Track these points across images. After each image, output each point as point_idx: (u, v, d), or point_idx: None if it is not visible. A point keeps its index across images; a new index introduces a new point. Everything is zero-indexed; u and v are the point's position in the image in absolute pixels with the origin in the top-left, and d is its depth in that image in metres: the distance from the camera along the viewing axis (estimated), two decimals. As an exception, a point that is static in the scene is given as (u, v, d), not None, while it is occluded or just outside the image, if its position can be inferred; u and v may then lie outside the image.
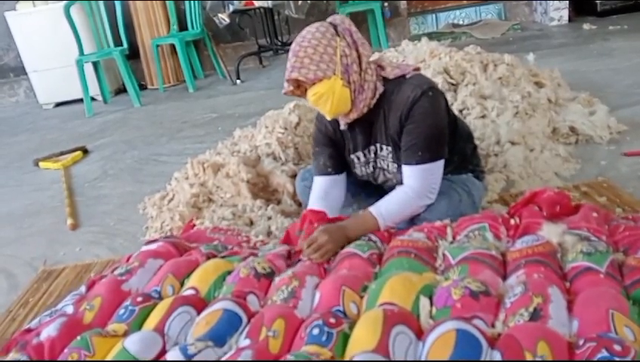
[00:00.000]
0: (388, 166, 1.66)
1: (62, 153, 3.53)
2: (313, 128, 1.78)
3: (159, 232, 2.16)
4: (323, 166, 1.71)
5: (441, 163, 1.55)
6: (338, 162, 1.71)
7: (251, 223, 2.03)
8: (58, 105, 5.30)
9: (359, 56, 1.52)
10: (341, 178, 1.73)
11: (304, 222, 1.58)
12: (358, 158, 1.70)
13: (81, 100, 4.77)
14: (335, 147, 1.71)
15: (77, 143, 3.71)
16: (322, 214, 1.59)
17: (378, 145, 1.64)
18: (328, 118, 1.60)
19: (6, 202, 2.94)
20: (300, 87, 1.54)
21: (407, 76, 1.55)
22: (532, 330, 0.95)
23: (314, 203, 1.69)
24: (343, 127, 1.63)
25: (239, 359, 0.96)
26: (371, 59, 1.57)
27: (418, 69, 1.62)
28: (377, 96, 1.56)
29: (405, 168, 1.56)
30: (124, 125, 4.19)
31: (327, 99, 1.50)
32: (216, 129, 3.59)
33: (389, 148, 1.62)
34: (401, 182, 1.61)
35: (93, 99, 4.87)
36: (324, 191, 1.70)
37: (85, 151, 3.60)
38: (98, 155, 3.52)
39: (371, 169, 1.71)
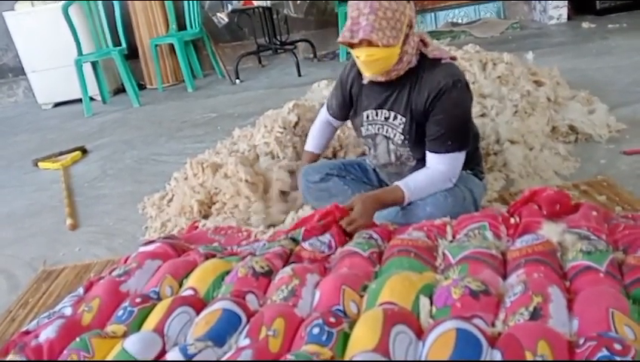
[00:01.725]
0: (395, 136, 1.70)
1: (61, 153, 3.53)
2: (341, 75, 1.85)
3: (159, 232, 2.16)
4: (329, 106, 1.94)
5: (465, 152, 1.65)
6: (340, 111, 1.89)
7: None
8: (57, 105, 5.29)
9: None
10: (335, 121, 1.98)
11: (321, 217, 1.58)
12: (368, 116, 1.75)
13: (80, 100, 4.77)
14: (348, 99, 1.81)
15: (76, 143, 3.70)
16: (345, 213, 1.59)
17: (393, 113, 1.68)
18: (366, 75, 1.63)
19: (6, 202, 2.93)
20: (360, 42, 1.51)
21: (443, 61, 1.59)
22: (532, 330, 0.94)
23: (316, 127, 2.06)
24: (365, 81, 1.69)
25: (239, 359, 0.95)
26: None
27: (455, 58, 1.65)
28: (408, 68, 1.59)
29: (433, 155, 1.63)
30: (124, 125, 4.19)
31: (379, 64, 1.54)
32: (215, 128, 3.59)
33: (404, 120, 1.66)
34: (398, 157, 1.73)
35: (92, 99, 4.86)
36: (322, 123, 2.04)
37: (84, 152, 3.60)
38: (97, 155, 3.51)
39: (375, 130, 1.75)
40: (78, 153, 3.52)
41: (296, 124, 2.48)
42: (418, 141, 1.66)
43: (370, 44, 1.49)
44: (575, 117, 2.43)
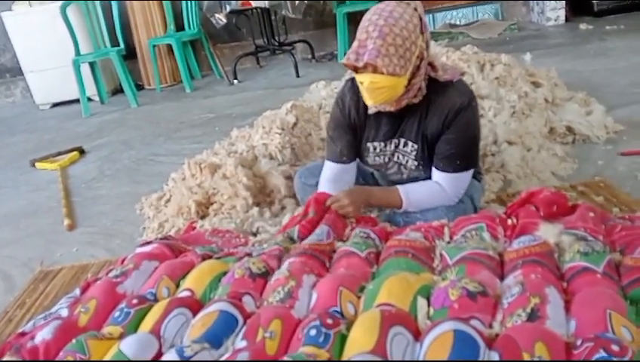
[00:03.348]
0: (407, 162, 1.66)
1: (59, 153, 3.52)
2: (333, 108, 1.72)
3: (157, 233, 2.15)
4: (339, 153, 1.70)
5: (472, 170, 1.62)
6: (354, 150, 1.70)
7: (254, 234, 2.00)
8: (55, 105, 5.28)
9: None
10: (353, 165, 1.75)
11: (309, 206, 1.59)
12: (374, 148, 1.68)
13: (77, 101, 4.76)
14: (354, 134, 1.68)
15: (74, 144, 3.70)
16: (327, 196, 1.61)
17: (403, 140, 1.63)
18: (370, 104, 1.52)
19: (3, 203, 2.93)
20: (365, 66, 1.43)
21: (454, 80, 1.54)
22: (530, 331, 0.94)
23: (324, 185, 1.72)
24: (371, 111, 1.58)
25: (236, 361, 0.95)
26: None
27: (463, 74, 1.63)
28: (420, 96, 1.54)
29: (439, 174, 1.59)
30: (121, 125, 4.18)
31: (383, 93, 1.46)
32: (213, 129, 3.58)
33: (416, 146, 1.61)
34: (412, 179, 1.67)
35: (89, 99, 4.86)
36: (336, 176, 1.72)
37: (82, 152, 3.59)
38: (95, 156, 3.51)
39: (385, 160, 1.69)
40: (75, 153, 3.52)
41: (295, 124, 2.48)
42: (432, 163, 1.62)
43: (375, 70, 1.42)
44: (572, 118, 2.43)
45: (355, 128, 1.68)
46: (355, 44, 1.43)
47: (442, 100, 1.53)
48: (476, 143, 1.63)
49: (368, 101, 1.52)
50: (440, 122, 1.54)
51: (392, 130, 1.63)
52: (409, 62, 1.43)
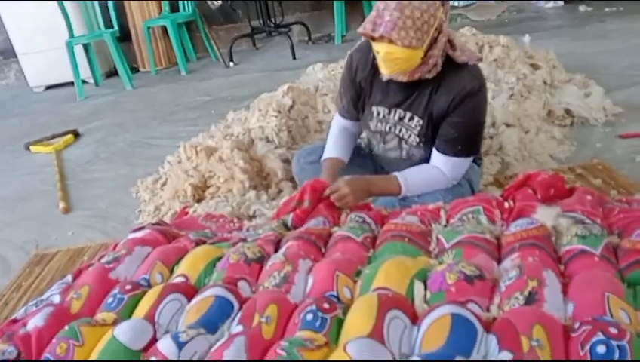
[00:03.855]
0: (409, 137, 1.64)
1: (53, 136, 3.50)
2: (345, 66, 1.73)
3: (153, 216, 2.14)
4: (342, 109, 1.80)
5: (472, 158, 1.62)
6: (355, 110, 1.75)
7: (251, 218, 1.99)
8: (49, 88, 5.23)
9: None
10: (356, 123, 1.80)
11: (304, 193, 1.57)
12: (379, 113, 1.67)
13: (72, 83, 4.71)
14: (357, 93, 1.70)
15: (68, 126, 3.67)
16: (325, 184, 1.59)
17: (409, 113, 1.61)
18: (384, 73, 1.53)
19: (-3, 186, 2.91)
20: (381, 37, 1.42)
21: (470, 63, 1.52)
22: (527, 314, 0.94)
23: (331, 137, 1.80)
24: (384, 78, 1.56)
25: (232, 345, 0.94)
26: None
27: (480, 59, 1.59)
28: (434, 72, 1.52)
29: (440, 156, 1.59)
30: (116, 108, 4.15)
31: (398, 64, 1.46)
32: (209, 112, 3.56)
33: (421, 122, 1.60)
34: (410, 157, 1.67)
35: (84, 82, 4.81)
36: (342, 127, 1.82)
37: (77, 135, 3.56)
38: (90, 139, 3.48)
39: (386, 129, 1.68)
40: (70, 136, 3.49)
41: (291, 107, 2.46)
42: (434, 143, 1.61)
43: (391, 41, 1.41)
44: (571, 100, 2.42)
45: (359, 87, 1.68)
46: (374, 13, 1.43)
47: (453, 80, 1.51)
48: (480, 131, 1.62)
49: (383, 70, 1.52)
50: (447, 102, 1.52)
51: (399, 100, 1.61)
52: (426, 35, 1.41)
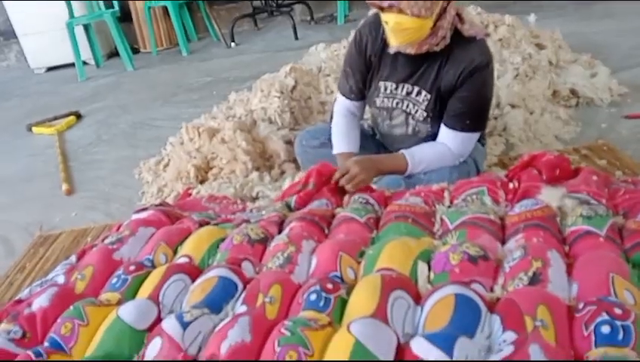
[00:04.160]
0: (417, 112, 1.64)
1: (55, 118, 3.49)
2: (350, 41, 1.72)
3: (156, 197, 2.14)
4: (349, 90, 1.75)
5: (479, 133, 1.61)
6: (362, 91, 1.73)
7: (254, 199, 1.99)
8: (50, 69, 5.21)
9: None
10: (361, 103, 1.78)
11: (310, 176, 1.56)
12: (386, 88, 1.66)
13: (73, 64, 4.69)
14: (365, 71, 1.68)
15: (70, 108, 3.66)
16: (332, 169, 1.58)
17: (417, 87, 1.60)
18: (393, 44, 1.52)
19: (0, 168, 2.91)
20: (390, 7, 1.41)
21: (478, 38, 1.51)
22: (532, 294, 0.93)
23: (338, 116, 1.77)
24: (391, 51, 1.56)
25: (236, 325, 0.95)
26: None
27: (488, 34, 1.60)
28: (442, 45, 1.51)
29: (447, 131, 1.58)
30: (118, 89, 4.13)
31: (407, 34, 1.45)
32: (210, 93, 3.54)
33: (429, 97, 1.59)
34: (416, 132, 1.66)
35: (85, 63, 4.78)
36: (346, 108, 1.78)
37: (79, 116, 3.55)
38: (92, 120, 3.47)
39: (393, 105, 1.67)
40: (72, 118, 3.48)
41: (294, 88, 2.44)
42: (441, 118, 1.61)
43: (400, 11, 1.40)
44: (577, 80, 2.39)
45: (368, 65, 1.66)
46: None
47: (462, 54, 1.51)
48: (488, 106, 1.62)
49: (392, 41, 1.51)
50: (455, 76, 1.52)
51: (407, 74, 1.60)
52: (435, 5, 1.41)
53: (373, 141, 1.88)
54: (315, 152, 1.85)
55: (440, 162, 1.60)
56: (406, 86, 1.62)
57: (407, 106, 1.64)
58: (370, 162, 1.57)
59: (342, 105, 1.79)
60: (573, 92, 2.37)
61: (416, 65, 1.57)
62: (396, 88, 1.64)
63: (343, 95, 1.77)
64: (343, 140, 1.74)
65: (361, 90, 1.73)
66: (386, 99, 1.67)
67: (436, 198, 1.42)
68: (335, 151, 1.75)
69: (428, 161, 1.59)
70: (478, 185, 1.41)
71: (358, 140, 1.77)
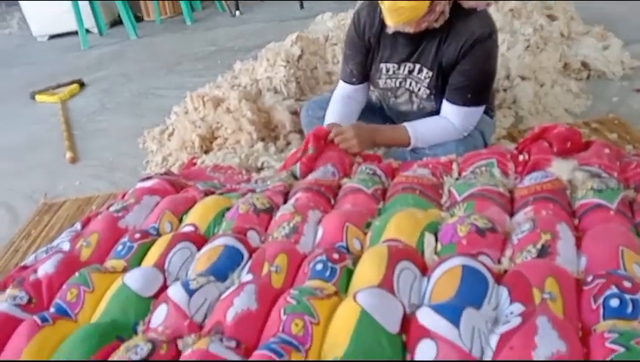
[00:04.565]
0: (419, 90, 1.61)
1: (59, 86, 3.47)
2: (349, 27, 1.68)
3: (160, 166, 2.13)
4: (349, 74, 1.70)
5: (483, 107, 1.57)
6: (364, 72, 1.69)
7: (259, 170, 1.97)
8: (52, 37, 5.15)
9: None
10: (364, 86, 1.74)
11: (307, 143, 1.55)
12: (387, 69, 1.63)
13: (75, 32, 4.63)
14: (366, 53, 1.64)
15: (73, 76, 3.63)
16: (328, 131, 1.57)
17: (418, 65, 1.57)
18: (390, 24, 1.48)
19: (3, 135, 2.90)
20: None
21: (479, 9, 1.47)
22: (540, 267, 0.92)
23: (334, 103, 1.72)
24: (389, 31, 1.53)
25: (242, 293, 0.94)
26: None
27: (489, 4, 1.56)
28: (441, 20, 1.47)
29: (449, 106, 1.55)
30: (121, 58, 4.09)
31: (404, 13, 1.41)
32: (215, 63, 3.50)
33: (430, 74, 1.56)
34: (421, 110, 1.62)
35: (88, 31, 4.72)
36: (346, 95, 1.72)
37: (82, 85, 3.53)
38: (95, 89, 3.45)
39: (396, 84, 1.64)
40: (75, 86, 3.45)
41: (300, 57, 2.40)
42: (444, 94, 1.57)
43: None
44: (588, 53, 2.35)
45: (368, 47, 1.63)
46: None
47: (462, 27, 1.46)
48: (490, 79, 1.58)
49: (388, 21, 1.47)
50: (457, 50, 1.48)
51: (407, 53, 1.57)
52: None
53: (381, 113, 1.85)
54: (321, 122, 1.82)
55: (443, 136, 1.57)
56: (408, 65, 1.58)
57: (410, 85, 1.62)
58: (367, 132, 1.55)
59: (340, 92, 1.74)
60: (585, 65, 2.33)
61: (415, 44, 1.54)
62: (398, 68, 1.61)
63: (344, 81, 1.73)
64: (334, 113, 1.69)
65: (361, 72, 1.69)
66: (388, 80, 1.65)
67: (444, 170, 1.40)
68: (325, 123, 1.69)
69: (431, 134, 1.57)
70: (487, 157, 1.39)
71: (353, 119, 1.71)
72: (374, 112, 1.84)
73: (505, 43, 2.31)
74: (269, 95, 2.26)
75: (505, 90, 2.13)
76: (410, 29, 1.47)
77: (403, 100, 1.67)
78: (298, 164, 1.54)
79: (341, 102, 1.72)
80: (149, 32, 4.71)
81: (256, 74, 2.43)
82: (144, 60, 3.89)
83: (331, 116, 1.70)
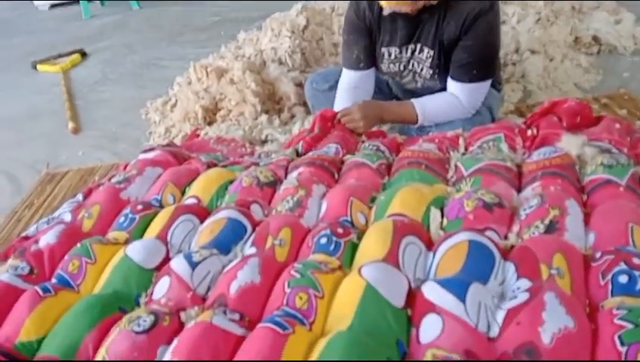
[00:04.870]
0: (422, 70, 1.58)
1: (60, 55, 3.43)
2: (347, 11, 1.63)
3: (163, 137, 2.12)
4: (355, 59, 1.62)
5: (490, 81, 1.54)
6: (371, 56, 1.62)
7: (263, 142, 1.94)
8: (53, 6, 5.07)
9: None
10: (371, 72, 1.66)
11: (314, 124, 1.54)
12: (390, 54, 1.60)
13: (77, 1, 4.56)
14: (369, 37, 1.59)
15: (75, 46, 3.58)
16: (335, 113, 1.55)
17: (420, 45, 1.54)
18: (384, 6, 1.45)
19: (5, 105, 2.88)
20: None
21: None
22: (548, 242, 0.91)
23: (341, 95, 1.65)
24: (386, 12, 1.49)
25: (246, 266, 0.93)
26: None
27: None
28: None
29: (455, 84, 1.52)
30: (123, 28, 4.03)
31: None
32: (218, 33, 3.44)
33: (432, 53, 1.52)
34: (426, 88, 1.60)
35: (89, 0, 4.65)
36: (353, 85, 1.65)
37: (84, 55, 3.48)
38: (97, 59, 3.40)
39: (400, 68, 1.61)
40: (77, 56, 3.41)
41: (305, 28, 2.36)
42: (447, 74, 1.54)
43: None
44: (600, 27, 2.30)
45: (370, 31, 1.59)
46: None
47: (460, 3, 1.42)
48: (495, 52, 1.54)
49: (384, 3, 1.44)
50: (458, 27, 1.44)
51: (408, 35, 1.54)
52: None
53: (387, 88, 1.82)
54: (325, 96, 1.80)
55: (451, 114, 1.55)
56: (409, 47, 1.55)
57: (413, 66, 1.59)
58: (373, 109, 1.53)
59: (347, 82, 1.66)
60: (596, 39, 2.28)
61: (415, 24, 1.50)
62: (400, 52, 1.58)
63: (349, 68, 1.65)
64: (343, 103, 1.62)
65: (368, 56, 1.61)
66: (392, 65, 1.62)
67: (451, 145, 1.38)
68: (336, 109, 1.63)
69: (439, 111, 1.55)
70: (494, 131, 1.36)
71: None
72: (382, 89, 1.80)
73: (515, 15, 2.27)
74: (274, 66, 2.22)
75: (514, 64, 2.09)
76: (407, 9, 1.44)
77: (407, 81, 1.66)
78: (301, 142, 1.52)
79: (347, 95, 1.63)
80: (150, 3, 4.64)
81: (260, 44, 2.39)
82: (146, 31, 3.84)
83: (342, 101, 1.64)
